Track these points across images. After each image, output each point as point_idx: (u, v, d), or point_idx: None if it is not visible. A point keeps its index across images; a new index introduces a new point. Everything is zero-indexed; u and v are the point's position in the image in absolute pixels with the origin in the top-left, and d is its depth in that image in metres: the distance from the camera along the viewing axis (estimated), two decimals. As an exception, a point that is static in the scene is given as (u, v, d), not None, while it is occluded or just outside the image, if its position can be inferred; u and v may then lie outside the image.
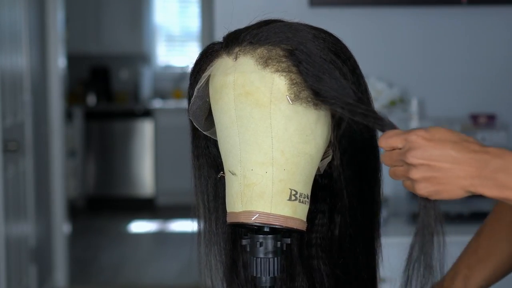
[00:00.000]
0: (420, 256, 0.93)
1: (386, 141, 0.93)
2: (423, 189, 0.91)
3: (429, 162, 0.89)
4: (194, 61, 1.08)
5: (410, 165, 0.90)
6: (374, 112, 0.96)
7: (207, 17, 5.81)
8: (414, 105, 2.89)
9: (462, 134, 0.91)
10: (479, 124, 2.93)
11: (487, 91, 3.08)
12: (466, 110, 3.03)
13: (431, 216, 0.93)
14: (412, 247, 0.94)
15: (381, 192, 1.09)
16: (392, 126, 0.94)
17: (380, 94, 2.85)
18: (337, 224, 1.08)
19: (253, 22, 1.05)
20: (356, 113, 0.96)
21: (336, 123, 1.03)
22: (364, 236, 1.08)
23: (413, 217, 2.68)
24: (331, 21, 2.91)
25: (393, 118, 1.80)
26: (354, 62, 1.05)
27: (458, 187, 0.90)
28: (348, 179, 1.05)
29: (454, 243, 2.81)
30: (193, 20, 7.54)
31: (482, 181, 0.89)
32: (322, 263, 1.10)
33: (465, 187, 0.90)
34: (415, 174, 0.90)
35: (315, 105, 1.00)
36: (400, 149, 0.92)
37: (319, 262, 1.10)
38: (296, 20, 1.05)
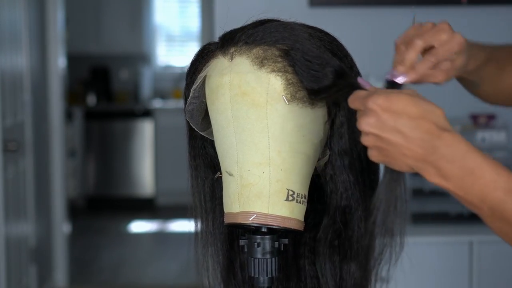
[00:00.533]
0: (382, 224, 0.91)
1: (351, 103, 0.91)
2: (373, 157, 0.89)
3: (380, 133, 0.87)
4: (190, 61, 1.08)
5: (363, 132, 0.88)
6: (345, 82, 0.94)
7: (207, 17, 5.80)
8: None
9: (427, 106, 0.87)
10: (479, 124, 2.93)
11: (487, 91, 3.08)
12: (466, 110, 3.03)
13: (396, 187, 0.91)
14: (375, 215, 0.92)
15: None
16: (358, 86, 0.92)
17: (380, 94, 2.85)
18: (323, 226, 1.07)
19: (249, 22, 1.04)
20: (337, 93, 0.94)
21: (333, 123, 1.03)
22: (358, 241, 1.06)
23: (413, 217, 2.68)
24: (330, 21, 2.91)
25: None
26: (351, 60, 1.05)
27: (404, 164, 0.88)
28: (345, 181, 1.04)
29: (454, 243, 2.81)
30: (193, 20, 7.54)
31: (426, 166, 0.86)
32: (307, 263, 1.09)
33: (410, 166, 0.88)
34: (365, 140, 0.89)
35: (312, 105, 1.00)
36: None
37: (305, 261, 1.09)
38: (292, 20, 1.05)
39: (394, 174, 0.91)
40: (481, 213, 0.87)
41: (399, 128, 0.86)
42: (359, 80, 0.93)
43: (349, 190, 1.03)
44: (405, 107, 0.86)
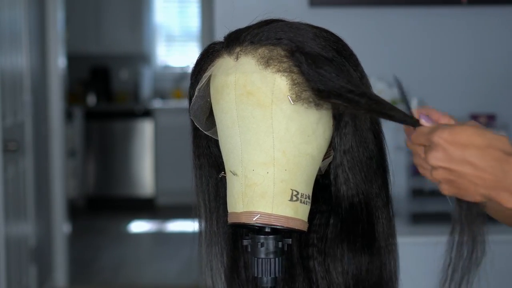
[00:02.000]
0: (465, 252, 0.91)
1: (415, 139, 0.92)
2: (445, 190, 0.90)
3: (449, 166, 0.88)
4: (195, 61, 1.08)
5: (432, 166, 0.89)
6: (396, 109, 0.94)
7: (207, 17, 5.81)
8: (414, 105, 2.88)
9: (491, 135, 0.88)
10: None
11: (487, 91, 3.08)
12: (466, 110, 3.03)
13: (472, 216, 0.91)
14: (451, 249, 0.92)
15: (389, 195, 1.08)
16: (416, 122, 0.93)
17: (380, 94, 2.85)
18: (331, 225, 1.07)
19: (254, 22, 1.04)
20: (379, 111, 0.94)
21: (338, 123, 1.03)
22: (368, 242, 1.06)
23: (413, 217, 2.68)
24: (331, 21, 2.91)
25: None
26: (356, 59, 1.05)
27: (477, 194, 0.88)
28: (349, 180, 1.04)
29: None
30: (193, 20, 7.54)
31: (499, 192, 0.87)
32: (317, 263, 1.09)
33: (482, 195, 0.88)
34: (436, 175, 0.89)
35: (317, 105, 1.00)
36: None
37: (314, 263, 1.09)
38: (297, 20, 1.05)
39: (471, 206, 0.91)
40: None
41: (467, 158, 0.87)
42: (421, 118, 0.94)
43: (355, 188, 1.03)
44: (470, 138, 0.87)
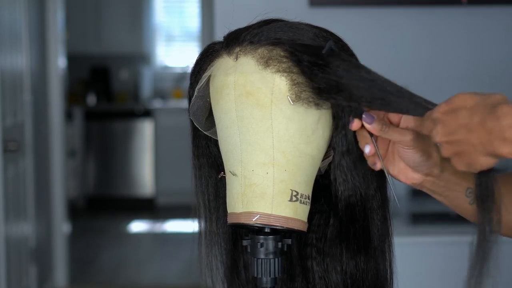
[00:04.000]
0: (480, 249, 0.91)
1: (423, 128, 0.90)
2: (457, 165, 0.87)
3: (449, 138, 0.86)
4: (194, 61, 1.08)
5: (439, 145, 0.87)
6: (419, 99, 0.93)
7: (207, 17, 5.80)
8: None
9: (484, 94, 0.86)
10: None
11: (487, 91, 3.07)
12: (466, 110, 3.03)
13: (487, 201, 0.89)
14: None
15: (386, 196, 1.08)
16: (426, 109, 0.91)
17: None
18: (330, 226, 1.07)
19: (254, 21, 1.04)
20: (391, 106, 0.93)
21: (338, 123, 1.03)
22: (364, 242, 1.06)
23: (413, 217, 2.68)
24: (331, 21, 2.90)
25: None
26: (356, 60, 1.05)
27: (481, 155, 0.85)
28: (347, 181, 1.04)
29: (454, 243, 2.81)
30: (193, 20, 7.54)
31: (493, 143, 0.84)
32: (315, 264, 1.09)
33: (483, 153, 0.85)
34: (445, 152, 0.87)
35: (316, 105, 1.00)
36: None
37: (313, 262, 1.09)
38: (297, 20, 1.05)
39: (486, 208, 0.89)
40: None
41: (460, 123, 0.85)
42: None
43: (353, 189, 1.03)
44: (462, 102, 0.87)
